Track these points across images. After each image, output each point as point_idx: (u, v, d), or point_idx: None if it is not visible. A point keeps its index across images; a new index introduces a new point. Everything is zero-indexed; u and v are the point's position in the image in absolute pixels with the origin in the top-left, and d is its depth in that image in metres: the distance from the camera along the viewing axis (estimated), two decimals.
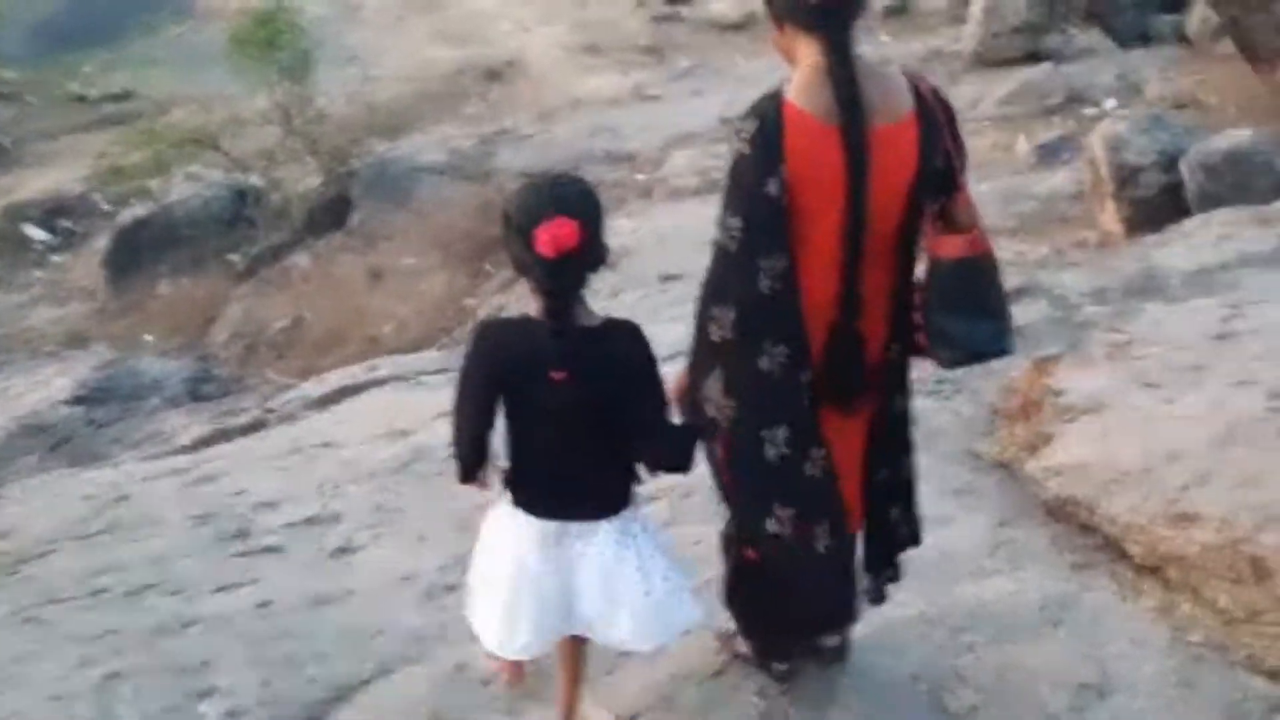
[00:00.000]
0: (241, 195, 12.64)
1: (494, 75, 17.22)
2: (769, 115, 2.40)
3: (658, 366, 2.55)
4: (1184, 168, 8.37)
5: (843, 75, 2.37)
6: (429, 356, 6.23)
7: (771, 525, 2.59)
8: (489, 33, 18.70)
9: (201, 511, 4.59)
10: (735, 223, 2.44)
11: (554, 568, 2.60)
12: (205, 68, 15.37)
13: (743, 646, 3.09)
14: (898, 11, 16.99)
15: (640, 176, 11.11)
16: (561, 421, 2.51)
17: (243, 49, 12.47)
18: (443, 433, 5.22)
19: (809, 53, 2.43)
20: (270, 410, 5.74)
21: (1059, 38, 13.05)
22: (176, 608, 3.82)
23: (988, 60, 12.83)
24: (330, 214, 12.15)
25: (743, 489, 2.68)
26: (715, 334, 2.51)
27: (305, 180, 12.77)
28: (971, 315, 2.52)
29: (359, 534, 4.29)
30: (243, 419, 5.72)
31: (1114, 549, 3.54)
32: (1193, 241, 7.20)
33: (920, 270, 2.64)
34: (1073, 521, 3.69)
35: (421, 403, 5.40)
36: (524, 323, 2.51)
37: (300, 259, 11.52)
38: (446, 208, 11.31)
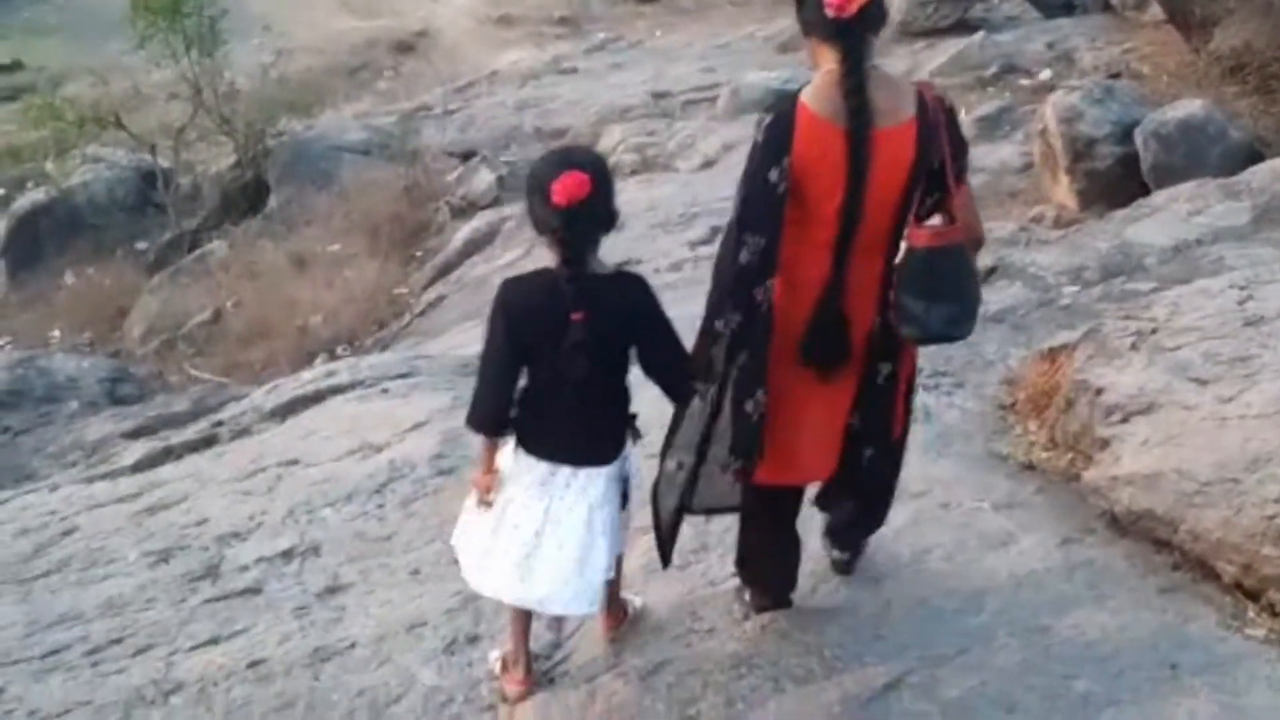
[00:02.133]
0: (149, 178, 11.81)
1: (405, 48, 16.53)
2: (784, 112, 2.64)
3: (662, 309, 2.77)
4: (1138, 139, 8.16)
5: (853, 83, 2.59)
6: (391, 360, 5.66)
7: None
8: (397, 3, 17.95)
9: (162, 546, 4.05)
10: (738, 200, 2.71)
11: (535, 514, 2.79)
12: (101, 37, 14.39)
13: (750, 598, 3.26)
14: None
15: None
16: (577, 360, 2.66)
17: (145, 16, 11.57)
18: (419, 449, 4.80)
19: (828, 60, 2.65)
20: (220, 423, 5.17)
21: (984, 6, 12.86)
22: (151, 670, 3.30)
23: (914, 30, 12.55)
24: (247, 197, 11.44)
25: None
26: (713, 292, 2.81)
27: (218, 161, 12.00)
28: (931, 299, 2.71)
29: (345, 569, 3.80)
30: (190, 433, 5.14)
31: (1197, 568, 3.23)
32: (1163, 216, 6.98)
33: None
34: (1146, 538, 3.36)
35: (390, 413, 4.89)
36: (542, 274, 2.71)
37: (217, 246, 10.79)
38: (371, 190, 10.70)
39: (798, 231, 2.66)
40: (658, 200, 8.61)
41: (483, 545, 2.87)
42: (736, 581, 3.26)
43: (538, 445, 2.79)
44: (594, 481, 2.80)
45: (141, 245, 11.64)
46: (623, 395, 2.83)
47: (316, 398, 5.14)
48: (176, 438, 5.16)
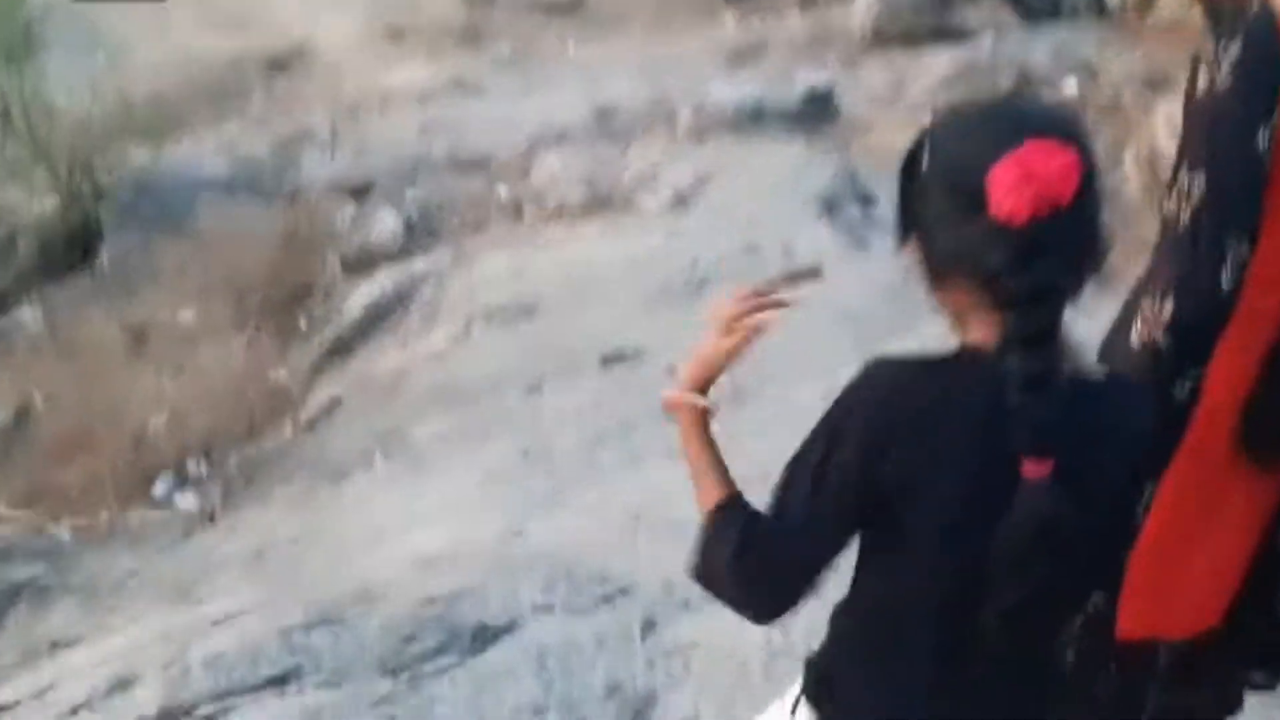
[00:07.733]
0: None
1: (279, 65, 13.35)
2: (1259, 35, 1.60)
3: None
4: None
5: None
6: (257, 637, 2.57)
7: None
8: (270, 18, 14.68)
9: None
10: (1197, 185, 1.64)
11: None
12: None
13: None
14: None
15: (503, 190, 7.73)
16: (1031, 564, 1.16)
17: None
18: None
19: None
20: None
21: (961, 11, 10.52)
22: None
23: (888, 38, 10.11)
24: (71, 249, 8.28)
25: None
26: (1136, 337, 1.69)
27: (35, 203, 8.78)
28: None
29: None
30: None
31: None
32: None
33: None
34: None
35: None
36: (959, 363, 1.21)
37: (27, 316, 7.63)
38: (238, 238, 7.65)
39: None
40: (638, 256, 5.81)
41: None
42: None
43: None
44: None
45: None
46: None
47: None
48: None
